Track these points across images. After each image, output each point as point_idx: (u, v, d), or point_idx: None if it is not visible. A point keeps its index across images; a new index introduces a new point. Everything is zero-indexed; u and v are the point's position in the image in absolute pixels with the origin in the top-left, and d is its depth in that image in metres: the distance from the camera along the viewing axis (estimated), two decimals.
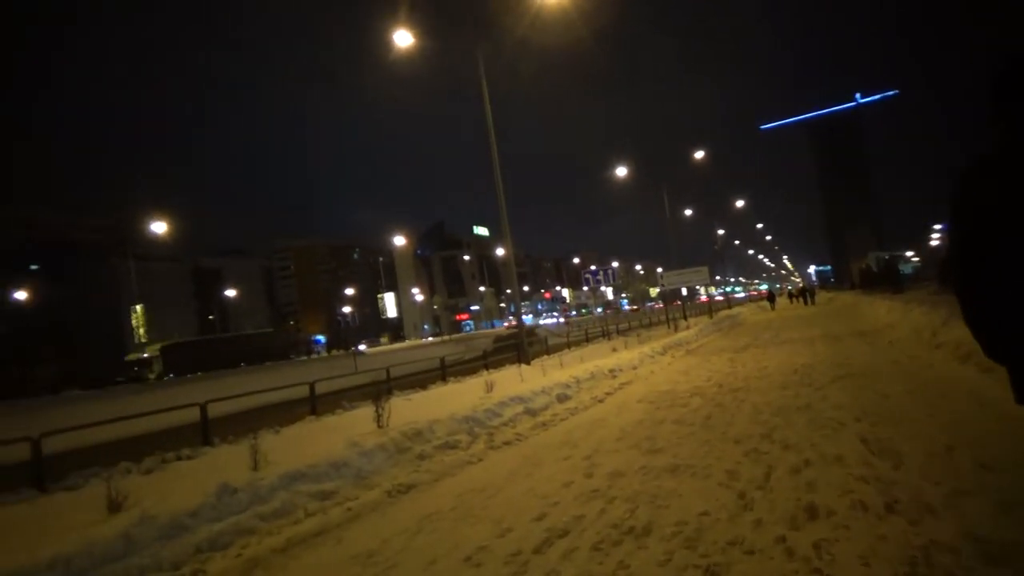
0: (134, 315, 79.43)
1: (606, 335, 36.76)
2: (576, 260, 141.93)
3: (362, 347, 68.42)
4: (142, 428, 13.54)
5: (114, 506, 6.21)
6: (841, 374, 10.96)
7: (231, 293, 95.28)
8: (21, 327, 62.19)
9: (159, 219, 47.11)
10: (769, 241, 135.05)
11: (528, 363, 20.04)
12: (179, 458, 9.78)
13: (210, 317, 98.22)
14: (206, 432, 11.29)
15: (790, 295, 68.67)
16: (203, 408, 11.55)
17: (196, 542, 5.57)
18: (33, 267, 79.89)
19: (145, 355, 65.55)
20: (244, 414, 15.48)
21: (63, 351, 65.52)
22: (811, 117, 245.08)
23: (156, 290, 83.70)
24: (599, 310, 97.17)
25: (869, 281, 63.95)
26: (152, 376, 59.13)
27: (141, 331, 76.31)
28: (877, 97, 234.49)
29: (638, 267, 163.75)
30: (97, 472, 9.06)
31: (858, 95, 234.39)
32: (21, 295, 59.69)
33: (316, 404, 14.10)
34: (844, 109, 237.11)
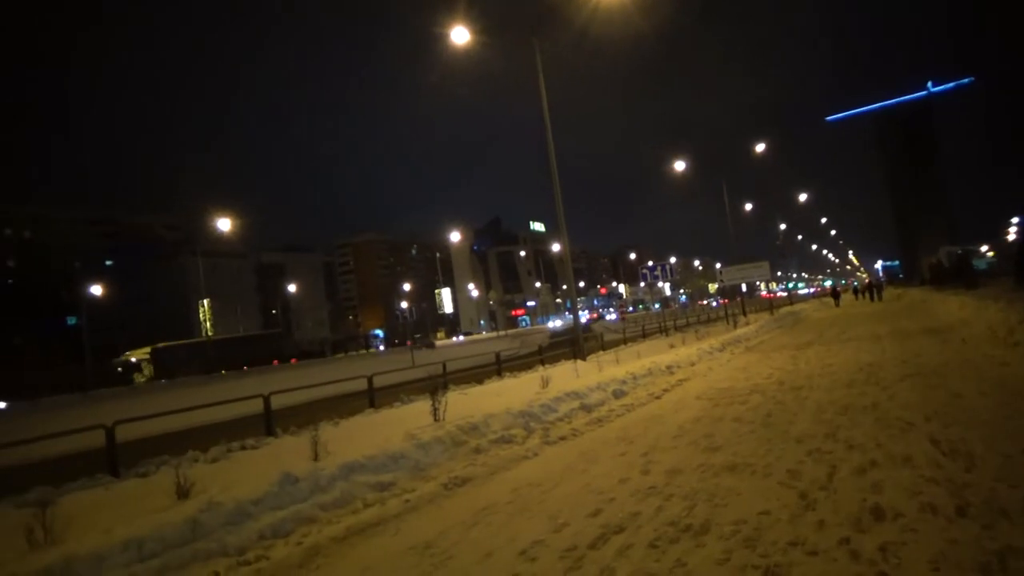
0: (201, 309, 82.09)
1: (663, 331, 36.34)
2: (632, 256, 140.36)
3: (458, 336, 65.97)
4: (209, 418, 14.00)
5: (182, 493, 6.44)
6: (910, 372, 10.59)
7: (292, 288, 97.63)
8: (97, 321, 64.93)
9: (224, 217, 48.56)
10: (834, 236, 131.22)
11: (584, 359, 19.96)
12: (243, 448, 10.08)
13: (273, 312, 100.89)
14: (269, 423, 11.59)
15: (855, 291, 66.52)
16: (266, 399, 11.86)
17: (259, 529, 5.73)
18: (108, 263, 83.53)
19: (132, 359, 66.29)
20: (305, 406, 15.85)
21: (136, 344, 68.19)
22: (880, 107, 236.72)
23: (222, 285, 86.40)
24: (656, 306, 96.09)
25: (940, 277, 61.49)
26: (141, 379, 60.11)
27: (208, 325, 78.78)
28: (951, 85, 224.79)
29: (696, 263, 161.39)
30: (166, 460, 9.41)
31: (930, 83, 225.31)
32: (97, 290, 62.34)
33: (374, 397, 14.34)
34: (915, 98, 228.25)
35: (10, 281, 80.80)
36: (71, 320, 73.98)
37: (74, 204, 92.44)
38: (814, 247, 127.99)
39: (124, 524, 5.53)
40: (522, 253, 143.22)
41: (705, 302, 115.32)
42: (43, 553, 4.98)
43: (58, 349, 61.44)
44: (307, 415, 12.79)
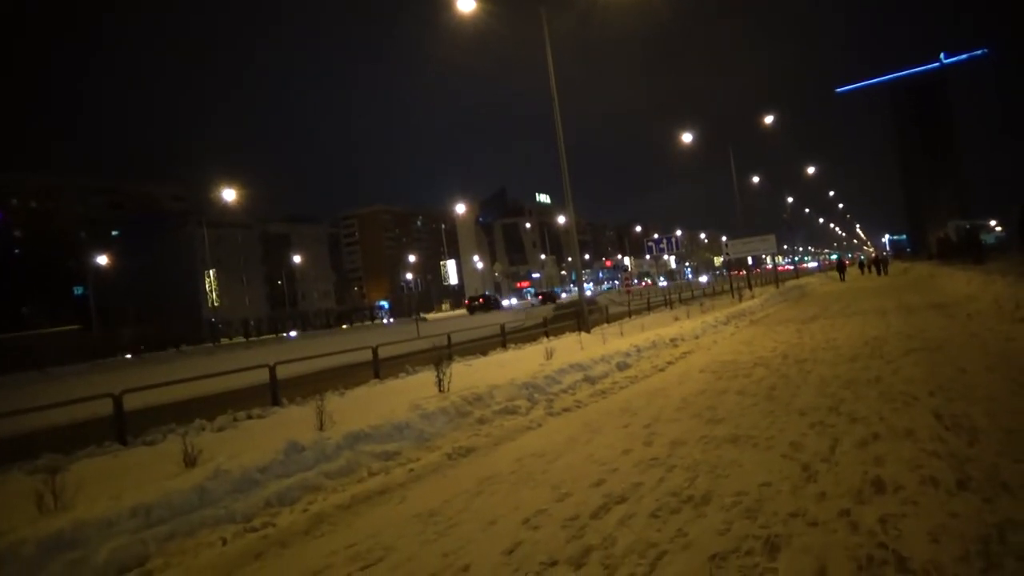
0: (207, 280, 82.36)
1: (668, 304, 36.31)
2: (638, 228, 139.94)
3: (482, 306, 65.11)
4: (215, 388, 14.10)
5: (190, 460, 6.51)
6: (915, 347, 10.58)
7: (298, 259, 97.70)
8: (104, 291, 65.28)
9: (229, 187, 48.46)
10: (841, 209, 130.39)
11: (588, 331, 20.00)
12: (250, 417, 10.16)
13: (278, 282, 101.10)
14: (275, 393, 11.67)
15: (861, 265, 66.05)
16: (272, 369, 11.92)
17: (266, 496, 5.80)
18: (114, 233, 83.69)
19: None
20: (311, 376, 15.94)
21: (142, 314, 68.64)
22: (891, 79, 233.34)
23: (227, 256, 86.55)
24: (662, 280, 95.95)
25: (947, 251, 61.09)
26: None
27: (215, 295, 79.11)
28: (964, 57, 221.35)
29: (702, 235, 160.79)
30: (173, 429, 9.51)
31: (943, 55, 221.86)
32: (103, 260, 62.57)
33: (379, 368, 14.41)
34: (928, 69, 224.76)
35: (17, 251, 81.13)
36: (78, 290, 74.45)
37: (79, 174, 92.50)
38: (821, 220, 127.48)
39: (132, 491, 5.60)
40: (527, 225, 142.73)
41: (705, 279, 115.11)
42: (53, 518, 5.06)
43: (66, 319, 61.91)
44: (313, 385, 12.87)
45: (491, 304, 70.10)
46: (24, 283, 71.36)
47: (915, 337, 11.77)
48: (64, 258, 77.45)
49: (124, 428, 9.26)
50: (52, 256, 77.78)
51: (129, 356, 45.74)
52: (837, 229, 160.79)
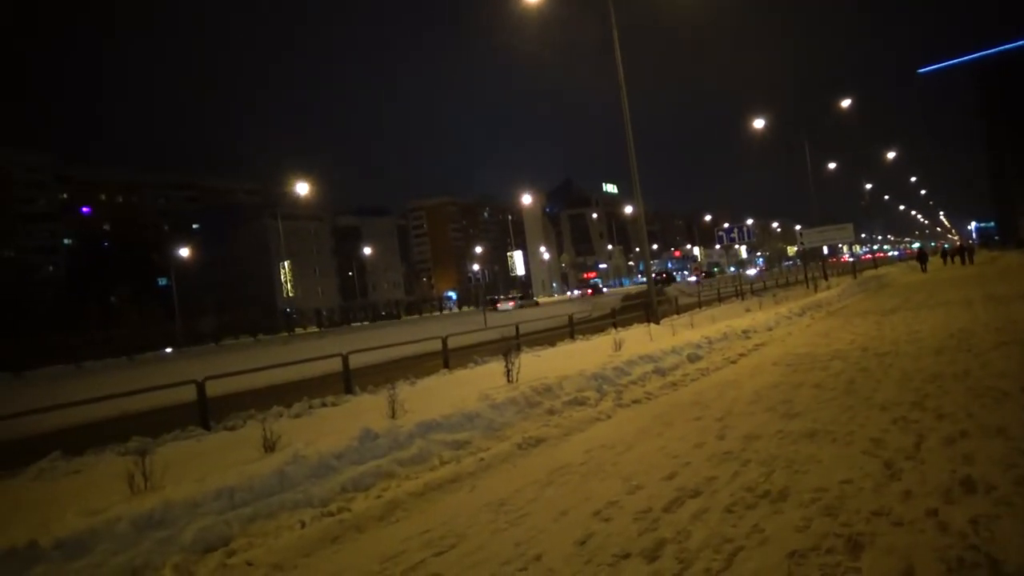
0: (282, 271, 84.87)
1: (739, 295, 35.52)
2: (708, 217, 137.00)
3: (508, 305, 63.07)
4: (291, 376, 14.55)
5: (269, 446, 6.74)
6: (1006, 340, 10.05)
7: (368, 251, 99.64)
8: (186, 281, 68.05)
9: (302, 180, 49.74)
10: (923, 196, 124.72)
11: (657, 322, 19.75)
12: (324, 405, 10.44)
13: (349, 274, 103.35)
14: (348, 381, 11.96)
15: (944, 254, 62.95)
16: (345, 359, 12.22)
17: (341, 482, 5.95)
18: (195, 226, 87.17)
19: None
20: (382, 365, 16.27)
21: (222, 304, 71.30)
22: (978, 57, 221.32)
23: (300, 248, 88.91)
24: (732, 269, 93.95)
25: None
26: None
27: (289, 286, 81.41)
28: None
29: (775, 224, 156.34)
30: (253, 415, 9.85)
31: None
32: (185, 252, 65.18)
33: (448, 358, 14.58)
34: (1017, 47, 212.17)
35: (106, 244, 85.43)
36: (162, 281, 77.83)
37: (157, 170, 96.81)
38: (901, 207, 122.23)
39: (216, 474, 5.83)
40: (594, 215, 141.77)
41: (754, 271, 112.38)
42: (143, 498, 5.32)
43: (151, 308, 64.91)
44: (384, 375, 13.14)
45: (527, 300, 68.05)
46: (112, 274, 75.11)
47: (1005, 330, 11.18)
48: (148, 250, 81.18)
49: (207, 413, 9.65)
50: (137, 248, 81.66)
51: (210, 344, 47.59)
52: (919, 216, 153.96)
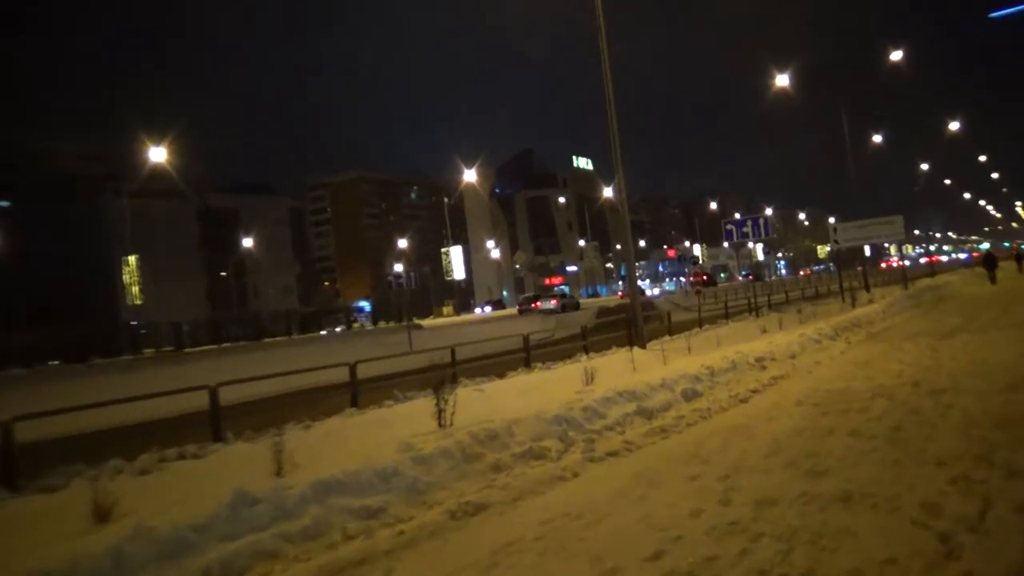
0: (126, 269, 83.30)
1: (753, 310, 36.14)
2: (713, 206, 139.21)
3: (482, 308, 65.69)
4: (134, 416, 14.22)
5: (102, 514, 6.57)
6: None
7: (249, 243, 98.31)
8: None
9: (159, 145, 48.63)
10: (994, 181, 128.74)
11: (643, 346, 19.95)
12: (182, 456, 10.24)
13: (222, 274, 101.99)
14: (217, 424, 11.75)
15: (1019, 258, 65.02)
16: (213, 393, 12.01)
17: (204, 564, 5.84)
18: (3, 204, 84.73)
19: None
20: (266, 402, 16.05)
21: (42, 315, 69.47)
22: None
23: (154, 237, 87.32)
24: (744, 274, 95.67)
25: None
26: None
27: (136, 290, 80.00)
28: None
29: (802, 216, 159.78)
30: (80, 471, 9.59)
31: None
32: None
33: (358, 392, 14.46)
34: None
35: None
36: None
37: None
38: (967, 196, 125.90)
39: (25, 555, 5.68)
40: (561, 199, 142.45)
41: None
42: None
43: None
44: (269, 414, 12.96)
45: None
46: None
47: None
48: None
49: (15, 469, 9.35)
50: None
51: (17, 371, 46.20)
52: (990, 208, 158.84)
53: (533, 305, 68.64)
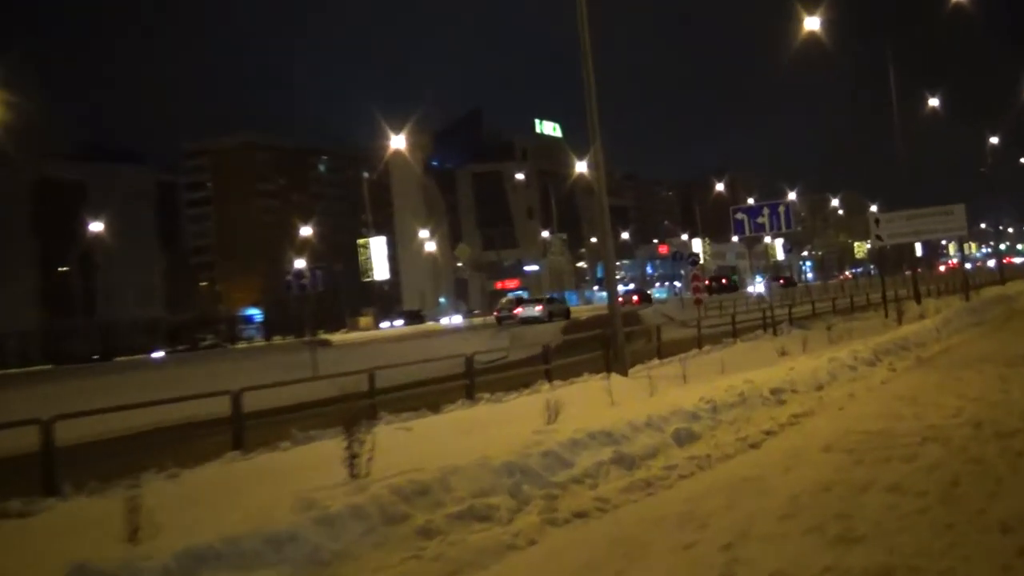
0: None
1: (768, 325, 36.45)
2: (720, 187, 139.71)
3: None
4: None
5: None
6: None
7: (99, 227, 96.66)
8: None
9: None
10: None
11: (624, 372, 20.02)
12: (5, 516, 10.09)
13: (62, 269, 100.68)
14: (50, 472, 11.61)
15: None
16: (46, 429, 11.85)
17: None
18: None
19: None
20: (119, 441, 15.89)
21: None
22: None
23: None
24: (759, 279, 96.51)
25: None
26: None
27: None
28: None
29: (835, 203, 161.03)
30: None
31: None
32: None
33: (244, 430, 14.36)
34: None
35: None
36: None
37: None
38: None
39: None
40: (518, 175, 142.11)
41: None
42: None
43: None
44: (122, 459, 12.82)
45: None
46: None
47: None
48: None
49: None
50: None
51: None
52: None
53: (514, 312, 69.27)
